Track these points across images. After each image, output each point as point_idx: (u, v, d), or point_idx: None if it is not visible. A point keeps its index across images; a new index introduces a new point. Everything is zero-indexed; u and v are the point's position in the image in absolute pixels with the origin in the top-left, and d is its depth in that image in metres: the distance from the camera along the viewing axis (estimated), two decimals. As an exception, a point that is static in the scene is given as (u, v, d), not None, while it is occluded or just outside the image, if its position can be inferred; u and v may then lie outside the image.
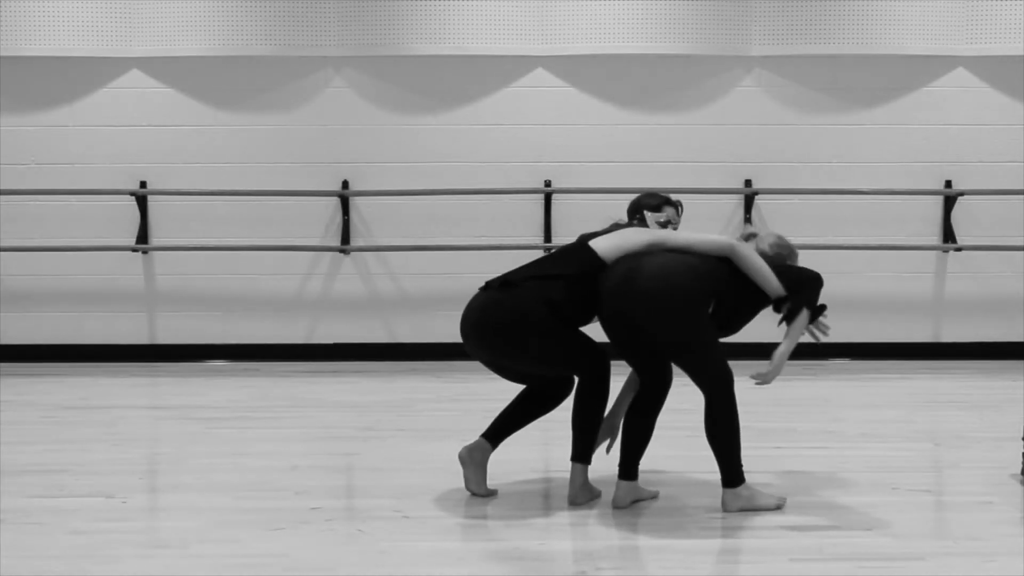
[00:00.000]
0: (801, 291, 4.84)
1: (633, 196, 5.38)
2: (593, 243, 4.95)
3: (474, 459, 5.10)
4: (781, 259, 5.02)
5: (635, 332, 4.78)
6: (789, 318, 4.83)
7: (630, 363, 4.95)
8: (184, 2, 8.60)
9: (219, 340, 8.90)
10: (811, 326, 4.93)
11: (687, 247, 4.87)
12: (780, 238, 5.09)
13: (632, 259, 4.84)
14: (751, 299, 4.88)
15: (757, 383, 4.83)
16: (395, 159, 8.79)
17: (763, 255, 4.97)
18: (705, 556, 4.40)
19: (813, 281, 4.89)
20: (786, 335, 4.83)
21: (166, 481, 5.62)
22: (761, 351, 8.65)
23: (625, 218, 5.25)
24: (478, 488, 5.11)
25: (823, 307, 4.93)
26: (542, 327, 4.80)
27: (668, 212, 5.19)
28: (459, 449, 5.20)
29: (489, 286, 4.95)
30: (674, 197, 5.31)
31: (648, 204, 5.21)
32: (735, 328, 4.91)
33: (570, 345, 4.88)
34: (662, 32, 8.62)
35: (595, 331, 4.99)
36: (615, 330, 4.83)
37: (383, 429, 6.50)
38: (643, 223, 5.15)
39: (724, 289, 4.81)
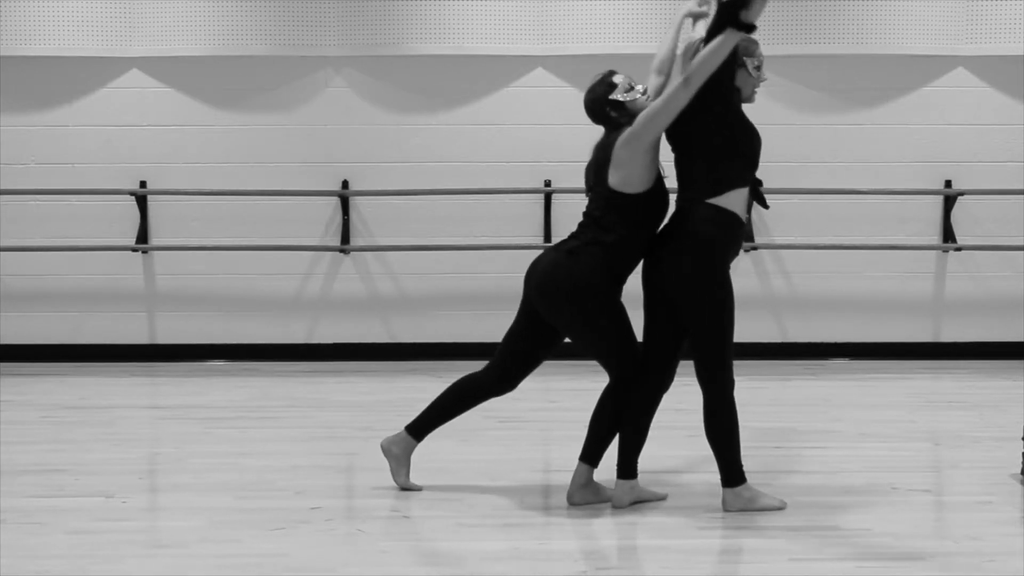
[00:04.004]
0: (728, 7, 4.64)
1: None
2: (613, 184, 4.86)
3: (392, 452, 5.21)
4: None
5: (663, 298, 4.84)
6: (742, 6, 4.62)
7: (647, 332, 4.92)
8: (184, 2, 8.60)
9: (219, 340, 8.89)
10: None
11: (666, 116, 4.73)
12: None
13: (665, 231, 4.85)
14: (727, 75, 4.74)
15: None
16: (395, 159, 8.79)
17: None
18: (705, 556, 4.41)
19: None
20: None
21: (166, 481, 5.62)
22: (761, 351, 8.69)
23: (596, 127, 5.09)
24: (398, 479, 5.20)
25: None
26: (602, 298, 4.84)
27: (621, 80, 4.99)
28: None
29: (558, 248, 4.96)
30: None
31: (605, 91, 4.99)
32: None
33: (619, 328, 4.88)
34: (662, 32, 8.59)
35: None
36: (648, 293, 4.89)
37: (383, 429, 6.48)
38: (620, 110, 4.94)
39: (720, 121, 4.76)
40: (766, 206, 4.98)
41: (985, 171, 8.79)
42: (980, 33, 8.68)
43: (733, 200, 4.79)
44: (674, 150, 4.92)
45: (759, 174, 4.88)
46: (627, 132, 4.83)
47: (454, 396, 5.21)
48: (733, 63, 4.74)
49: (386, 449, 5.25)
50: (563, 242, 5.00)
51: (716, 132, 4.77)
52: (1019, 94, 8.78)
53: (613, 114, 4.95)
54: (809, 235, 8.78)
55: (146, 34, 8.63)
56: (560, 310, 4.90)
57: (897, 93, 8.81)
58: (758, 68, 4.85)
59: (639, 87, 4.97)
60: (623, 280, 4.94)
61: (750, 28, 4.62)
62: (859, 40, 8.70)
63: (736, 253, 4.88)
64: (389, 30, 8.67)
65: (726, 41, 4.63)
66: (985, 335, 8.90)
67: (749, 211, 5.09)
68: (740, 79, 4.83)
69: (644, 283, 4.91)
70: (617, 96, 4.94)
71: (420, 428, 5.23)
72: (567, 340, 5.08)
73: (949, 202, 8.78)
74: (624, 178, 4.83)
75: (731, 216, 4.78)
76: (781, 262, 8.89)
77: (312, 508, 4.93)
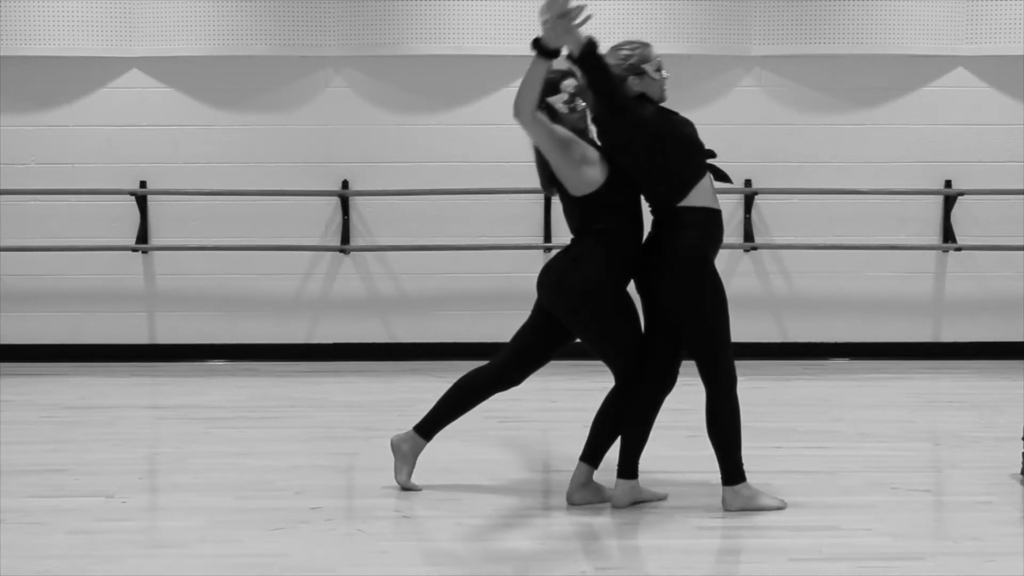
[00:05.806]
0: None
1: None
2: (575, 192, 4.91)
3: (401, 449, 5.23)
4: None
5: (656, 300, 4.86)
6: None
7: (647, 333, 4.93)
8: (184, 2, 8.60)
9: (219, 340, 8.90)
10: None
11: (546, 143, 4.83)
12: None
13: (648, 242, 4.89)
14: (619, 96, 4.76)
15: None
16: (395, 159, 8.79)
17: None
18: (705, 556, 4.41)
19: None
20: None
21: (166, 481, 5.62)
22: (761, 351, 8.69)
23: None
24: (399, 477, 5.21)
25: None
26: (610, 300, 4.85)
27: (568, 86, 4.95)
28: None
29: (565, 255, 4.99)
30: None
31: (547, 90, 4.92)
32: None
33: (626, 330, 4.90)
34: (662, 32, 8.61)
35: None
36: (644, 297, 4.93)
37: (383, 429, 6.49)
38: (550, 113, 4.92)
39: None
40: (729, 180, 5.00)
41: (985, 171, 8.79)
42: (980, 33, 8.68)
43: (699, 195, 4.82)
44: (628, 173, 4.91)
45: (731, 169, 4.91)
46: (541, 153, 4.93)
47: (461, 392, 5.22)
48: (611, 86, 4.75)
49: (395, 446, 5.25)
50: (568, 248, 5.02)
51: (648, 142, 4.79)
52: (1019, 94, 8.78)
53: (541, 114, 4.87)
54: (809, 235, 8.78)
55: (146, 34, 8.63)
56: (569, 313, 4.92)
57: (897, 93, 8.81)
58: (658, 69, 4.90)
59: (580, 105, 4.93)
60: (631, 274, 4.93)
61: (553, 53, 4.74)
62: (859, 40, 8.70)
63: (719, 243, 4.89)
64: (389, 30, 8.67)
65: (533, 70, 4.77)
66: (985, 335, 8.91)
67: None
68: (644, 85, 4.88)
69: (639, 289, 4.93)
70: (555, 103, 4.95)
71: (429, 427, 5.23)
72: (577, 340, 5.10)
73: (949, 202, 8.79)
74: (574, 183, 4.90)
75: (704, 212, 4.81)
76: (781, 262, 8.89)
77: (312, 508, 4.93)
